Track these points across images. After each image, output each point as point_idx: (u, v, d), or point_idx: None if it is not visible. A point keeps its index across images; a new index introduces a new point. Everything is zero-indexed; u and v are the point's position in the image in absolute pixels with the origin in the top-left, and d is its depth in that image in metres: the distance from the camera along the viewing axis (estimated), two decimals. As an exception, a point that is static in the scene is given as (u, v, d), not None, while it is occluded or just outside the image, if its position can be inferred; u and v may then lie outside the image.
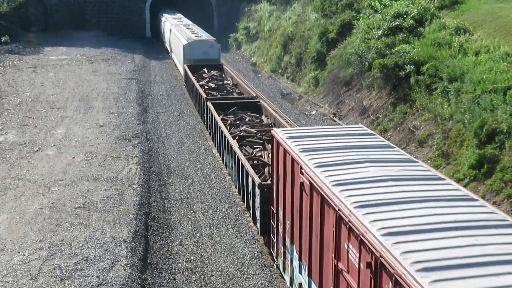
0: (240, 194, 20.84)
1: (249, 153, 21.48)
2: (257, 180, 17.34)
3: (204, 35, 43.48)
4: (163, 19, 58.22)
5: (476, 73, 22.74)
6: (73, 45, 54.24)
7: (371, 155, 12.75)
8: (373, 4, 35.11)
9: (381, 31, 30.45)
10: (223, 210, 20.21)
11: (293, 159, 13.21)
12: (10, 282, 14.71)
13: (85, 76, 41.63)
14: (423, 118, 25.03)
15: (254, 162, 20.22)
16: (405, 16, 30.51)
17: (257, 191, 17.28)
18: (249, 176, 18.37)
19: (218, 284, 15.67)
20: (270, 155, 18.58)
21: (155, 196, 21.14)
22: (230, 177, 22.92)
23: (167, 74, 45.25)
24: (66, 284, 14.60)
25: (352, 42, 33.11)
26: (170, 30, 49.02)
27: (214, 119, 25.80)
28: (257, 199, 17.39)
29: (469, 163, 20.32)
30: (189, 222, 19.37)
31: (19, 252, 16.14)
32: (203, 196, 21.51)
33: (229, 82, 36.16)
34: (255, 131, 23.99)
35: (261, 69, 47.41)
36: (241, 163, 19.56)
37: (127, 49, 54.14)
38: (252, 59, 50.84)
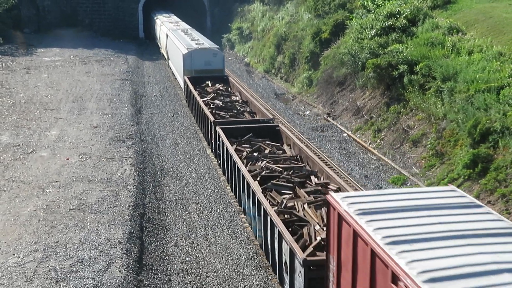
0: (268, 257, 16.26)
1: (277, 202, 16.57)
2: (300, 254, 12.70)
3: (206, 43, 38.57)
4: (158, 22, 55.20)
5: (469, 73, 22.84)
6: (66, 46, 54.12)
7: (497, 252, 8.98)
8: (365, 4, 35.19)
9: (374, 31, 30.53)
10: (218, 211, 20.21)
11: (375, 254, 9.42)
12: (5, 284, 14.66)
13: (79, 77, 41.54)
14: (417, 117, 25.11)
15: (286, 216, 15.48)
16: (398, 16, 30.60)
17: (299, 268, 12.81)
18: (283, 241, 14.00)
19: (213, 285, 15.67)
20: (324, 227, 13.71)
21: (149, 197, 21.12)
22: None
23: (161, 75, 45.21)
24: (61, 286, 14.57)
25: (345, 42, 33.17)
26: (167, 36, 45.10)
27: (227, 149, 21.20)
28: (298, 278, 12.97)
29: (463, 162, 20.41)
30: (184, 223, 19.36)
31: (14, 254, 16.09)
32: (197, 197, 21.50)
33: (237, 98, 30.85)
34: (280, 169, 18.99)
35: (255, 69, 47.43)
36: (269, 218, 15.20)
37: (121, 50, 54.07)
38: (246, 60, 50.86)
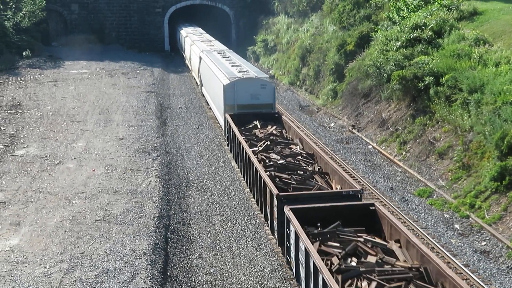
0: None
1: None
2: None
3: (251, 70, 31.14)
4: (188, 40, 49.71)
5: (497, 84, 22.59)
6: (93, 59, 54.76)
7: None
8: (391, 16, 35.06)
9: (400, 42, 30.38)
10: (243, 222, 20.19)
11: None
12: (31, 294, 14.81)
13: (105, 89, 41.98)
14: (443, 129, 24.88)
15: None
16: (423, 27, 30.43)
17: None
18: None
19: (238, 297, 15.63)
20: None
21: (174, 209, 21.19)
22: (247, 190, 22.73)
23: (186, 87, 45.47)
24: (86, 297, 14.66)
25: (370, 54, 33.05)
26: (200, 59, 39.13)
27: (306, 253, 13.78)
28: None
29: (490, 175, 20.16)
30: (209, 234, 19.38)
31: (40, 265, 16.25)
32: (222, 208, 21.52)
33: (298, 148, 22.96)
34: None
35: (280, 81, 47.47)
36: None
37: (146, 63, 54.55)
38: (270, 72, 50.93)
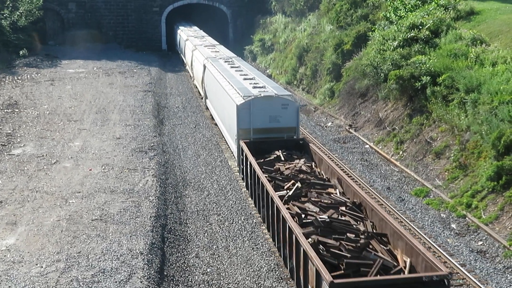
0: None
1: None
2: None
3: (269, 86, 25.97)
4: (188, 44, 46.15)
5: (493, 84, 22.62)
6: (90, 58, 54.71)
7: None
8: (388, 15, 35.09)
9: (397, 42, 30.41)
10: (239, 222, 20.19)
11: None
12: (28, 294, 14.79)
13: (102, 88, 41.93)
14: (440, 129, 24.91)
15: None
16: (420, 27, 30.45)
17: None
18: None
19: (234, 297, 15.63)
20: None
21: (171, 208, 21.18)
22: (245, 189, 22.77)
23: (183, 86, 45.45)
24: (83, 296, 14.64)
25: (367, 54, 33.08)
26: (205, 67, 34.67)
27: None
28: None
29: (487, 174, 20.19)
30: (205, 234, 19.37)
31: (36, 264, 16.23)
32: (219, 208, 21.51)
33: (337, 191, 17.85)
34: None
35: (277, 81, 47.47)
36: None
37: (143, 62, 54.50)
38: (268, 71, 50.94)
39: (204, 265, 17.26)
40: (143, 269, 16.04)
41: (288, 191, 17.87)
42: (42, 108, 35.45)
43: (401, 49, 29.62)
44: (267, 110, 23.56)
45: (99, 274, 15.67)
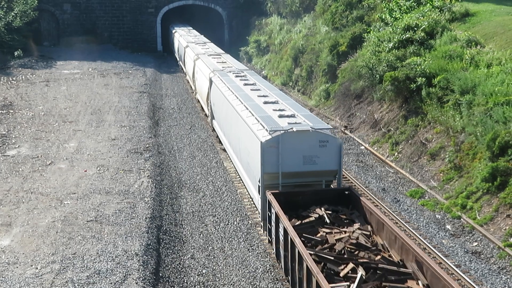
0: None
1: None
2: None
3: (299, 113, 20.34)
4: (189, 52, 42.28)
5: (488, 86, 22.69)
6: (85, 59, 54.64)
7: None
8: (383, 17, 35.17)
9: (392, 43, 30.47)
10: (235, 223, 20.18)
11: None
12: (22, 295, 14.75)
13: (97, 89, 41.87)
14: (435, 130, 24.96)
15: None
16: (415, 28, 30.52)
17: None
18: None
19: (230, 298, 15.61)
20: None
21: (166, 210, 21.16)
22: (241, 190, 22.77)
23: (178, 87, 45.42)
24: (78, 298, 14.61)
25: (362, 55, 33.13)
26: (211, 82, 29.59)
27: None
28: None
29: (482, 176, 20.23)
30: (201, 235, 19.36)
31: (31, 266, 16.19)
32: (214, 209, 21.50)
33: (413, 277, 13.13)
34: None
35: (272, 82, 47.50)
36: None
37: (139, 63, 54.46)
38: (263, 72, 50.97)
39: (200, 266, 17.25)
40: (139, 270, 16.01)
41: (348, 285, 12.52)
42: (37, 109, 35.37)
43: (396, 51, 29.69)
44: (300, 149, 18.18)
45: (94, 275, 15.64)
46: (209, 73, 30.63)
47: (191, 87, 42.32)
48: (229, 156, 25.76)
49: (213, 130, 30.59)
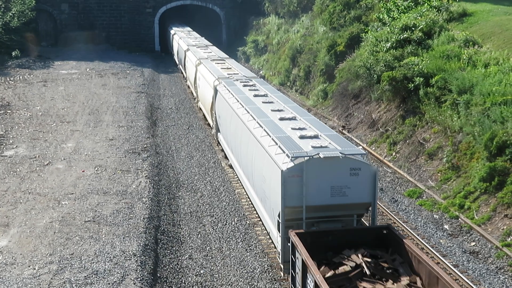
0: None
1: None
2: None
3: (323, 134, 17.62)
4: (190, 56, 39.74)
5: (486, 85, 22.70)
6: (82, 59, 54.60)
7: None
8: (381, 17, 35.17)
9: (390, 43, 30.48)
10: (233, 223, 20.18)
11: None
12: (20, 296, 14.73)
13: (95, 90, 41.83)
14: (433, 130, 24.97)
15: None
16: (413, 28, 30.53)
17: None
18: None
19: (228, 298, 15.61)
20: None
21: (164, 210, 21.15)
22: (239, 190, 22.75)
23: (176, 87, 45.39)
24: (76, 298, 14.60)
25: (360, 55, 33.14)
26: (216, 92, 27.00)
27: None
28: None
29: (479, 175, 20.25)
30: (199, 235, 19.35)
31: (29, 266, 16.17)
32: (212, 209, 21.49)
33: None
34: None
35: (270, 82, 47.50)
36: None
37: (137, 63, 54.43)
38: (261, 72, 50.96)
39: (198, 267, 17.24)
40: (136, 270, 16.00)
41: None
42: (35, 109, 35.33)
43: (394, 51, 29.69)
44: (328, 178, 15.49)
45: (92, 276, 15.62)
46: (213, 81, 28.09)
47: (192, 93, 40.49)
48: (237, 175, 23.69)
49: (218, 143, 28.04)
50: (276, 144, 16.76)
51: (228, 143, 25.01)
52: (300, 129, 18.07)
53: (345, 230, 14.97)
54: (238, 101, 22.88)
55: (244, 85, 25.90)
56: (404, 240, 13.72)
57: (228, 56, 38.13)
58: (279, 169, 15.59)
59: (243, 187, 22.11)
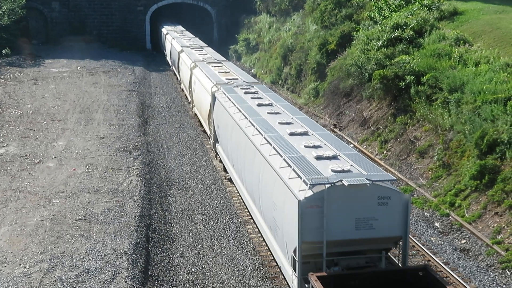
0: None
1: None
2: None
3: (342, 153, 15.62)
4: (185, 58, 37.93)
5: (476, 84, 22.80)
6: (73, 57, 54.42)
7: None
8: (372, 15, 35.24)
9: (381, 42, 30.54)
10: (224, 221, 20.17)
11: None
12: (11, 294, 14.67)
13: (86, 88, 41.70)
14: (424, 128, 25.05)
15: None
16: (404, 27, 30.62)
17: None
18: None
19: (219, 296, 15.61)
20: None
21: (156, 208, 21.11)
22: (230, 188, 22.75)
23: (167, 86, 45.31)
24: (67, 297, 14.56)
25: (352, 53, 33.20)
26: (215, 99, 25.26)
27: None
28: None
29: (470, 173, 20.33)
30: (190, 233, 19.33)
31: (20, 265, 16.10)
32: (204, 207, 21.47)
33: None
34: None
35: (261, 80, 47.51)
36: None
37: (128, 61, 54.28)
38: (252, 71, 50.97)
39: (189, 265, 17.23)
40: (128, 269, 15.97)
41: None
42: (25, 108, 35.18)
43: (385, 49, 29.77)
44: (353, 209, 13.43)
45: (83, 274, 15.58)
46: (211, 87, 26.19)
47: (186, 97, 39.02)
48: (237, 191, 21.79)
49: (216, 155, 26.04)
50: (290, 166, 14.66)
51: (228, 156, 22.98)
52: (315, 147, 16.00)
53: (373, 273, 13.17)
54: (240, 111, 20.83)
55: (246, 92, 23.99)
56: (445, 285, 11.99)
57: (225, 59, 36.60)
58: (295, 198, 13.43)
59: (246, 206, 20.25)
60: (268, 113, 20.13)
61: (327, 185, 13.20)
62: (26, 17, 58.69)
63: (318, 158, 15.07)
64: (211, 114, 26.41)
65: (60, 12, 61.95)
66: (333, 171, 14.03)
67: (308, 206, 13.14)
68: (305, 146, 16.07)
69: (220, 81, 26.65)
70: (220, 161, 25.07)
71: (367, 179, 13.33)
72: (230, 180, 23.22)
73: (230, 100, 22.88)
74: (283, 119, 19.12)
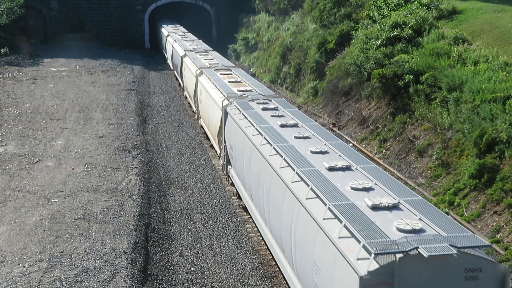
0: None
1: None
2: None
3: (402, 199, 11.59)
4: (189, 63, 35.37)
5: (475, 83, 22.79)
6: (72, 57, 54.37)
7: None
8: (371, 14, 35.23)
9: (380, 41, 30.53)
10: (223, 220, 20.17)
11: None
12: (10, 294, 14.66)
13: (85, 87, 41.67)
14: (423, 127, 25.05)
15: None
16: (403, 26, 30.60)
17: None
18: None
19: (218, 295, 15.60)
20: None
21: (155, 207, 21.11)
22: (230, 187, 22.72)
23: (166, 85, 45.30)
24: (66, 296, 14.55)
25: (350, 52, 33.19)
26: (227, 114, 21.90)
27: None
28: None
29: (469, 172, 20.33)
30: (189, 233, 19.33)
31: (19, 264, 16.09)
32: (203, 206, 21.47)
33: None
34: None
35: (260, 79, 47.50)
36: None
37: (126, 60, 54.26)
38: (251, 70, 50.95)
39: (188, 264, 17.23)
40: (127, 268, 15.96)
41: None
42: (24, 107, 35.15)
43: (384, 48, 29.76)
44: (431, 286, 9.90)
45: (82, 274, 15.57)
46: (221, 100, 23.03)
47: (190, 106, 36.50)
48: (258, 229, 18.50)
49: (228, 177, 22.88)
50: (340, 221, 11.01)
51: (245, 186, 19.44)
52: (365, 190, 12.35)
53: None
54: (260, 133, 17.40)
55: (264, 109, 20.39)
56: None
57: (234, 65, 33.26)
58: (352, 270, 9.98)
59: (270, 251, 16.68)
60: (295, 137, 16.72)
61: (397, 255, 9.65)
62: (25, 16, 58.64)
63: (375, 208, 11.34)
64: (222, 131, 22.97)
65: (59, 11, 61.91)
66: (399, 230, 10.42)
67: (373, 283, 9.64)
68: (352, 188, 12.45)
69: (231, 94, 23.31)
70: (232, 185, 22.24)
71: (451, 245, 9.74)
72: (244, 208, 20.57)
73: (246, 117, 19.38)
74: (316, 146, 15.58)
